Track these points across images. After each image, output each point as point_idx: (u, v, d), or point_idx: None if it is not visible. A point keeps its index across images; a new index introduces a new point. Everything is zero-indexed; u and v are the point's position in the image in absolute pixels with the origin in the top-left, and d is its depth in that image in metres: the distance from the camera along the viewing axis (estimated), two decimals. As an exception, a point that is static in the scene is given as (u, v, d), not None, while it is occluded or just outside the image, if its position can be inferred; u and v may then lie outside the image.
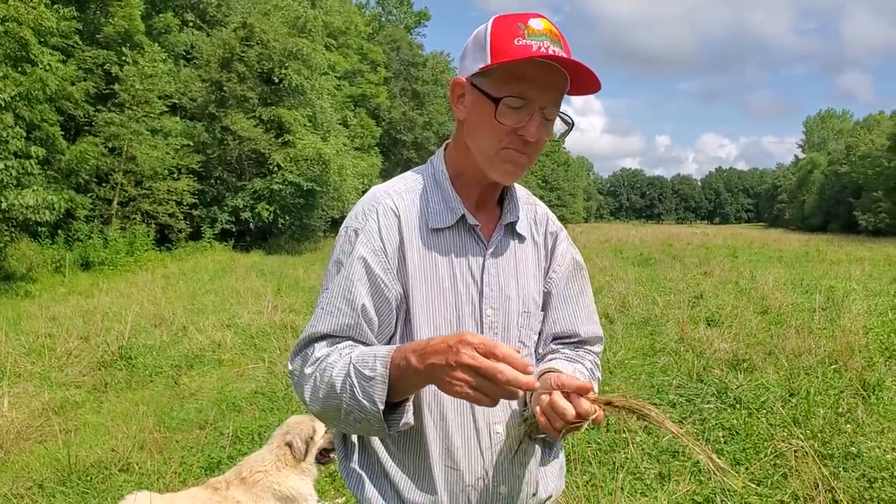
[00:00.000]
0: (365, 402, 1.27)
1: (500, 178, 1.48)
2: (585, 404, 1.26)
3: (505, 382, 1.15)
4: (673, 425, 1.26)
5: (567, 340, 1.66)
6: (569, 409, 1.25)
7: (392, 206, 1.51)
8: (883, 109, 72.19)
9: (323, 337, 1.42)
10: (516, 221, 1.59)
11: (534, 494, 1.56)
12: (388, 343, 1.48)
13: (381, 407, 1.27)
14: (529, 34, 1.35)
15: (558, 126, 1.47)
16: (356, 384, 1.28)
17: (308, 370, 1.38)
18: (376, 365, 1.27)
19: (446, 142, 1.62)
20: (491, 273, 1.53)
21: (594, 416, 1.25)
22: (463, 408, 1.48)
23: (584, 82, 1.40)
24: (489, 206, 1.59)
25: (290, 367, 1.45)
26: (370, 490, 1.51)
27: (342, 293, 1.44)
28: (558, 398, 1.27)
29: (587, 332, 1.67)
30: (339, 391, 1.30)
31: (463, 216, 1.52)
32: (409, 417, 1.35)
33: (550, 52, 1.32)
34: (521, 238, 1.60)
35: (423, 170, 1.61)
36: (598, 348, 1.71)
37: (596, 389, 1.54)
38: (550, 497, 1.62)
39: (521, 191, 1.69)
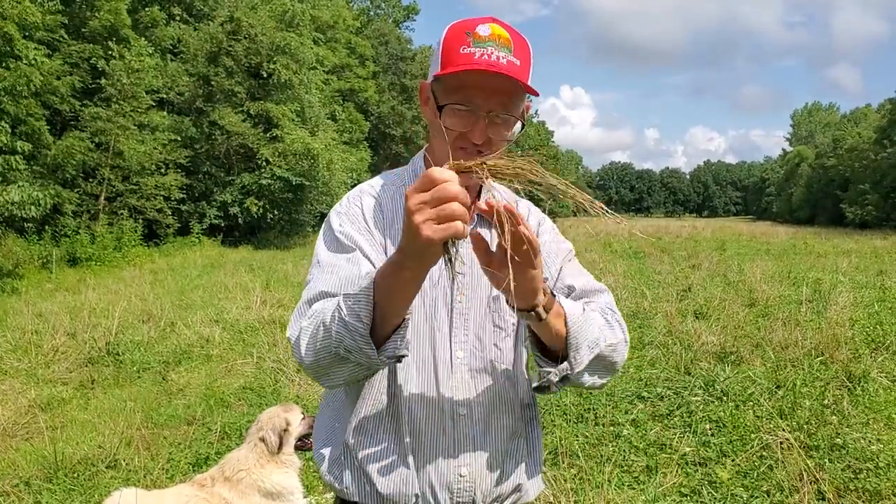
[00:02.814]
0: (352, 321, 1.26)
1: None
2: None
3: (443, 192, 1.12)
4: (553, 177, 1.22)
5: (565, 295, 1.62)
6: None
7: (375, 196, 1.61)
8: (870, 102, 72.60)
9: (321, 295, 1.44)
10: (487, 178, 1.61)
11: (497, 484, 1.59)
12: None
13: (368, 322, 1.26)
14: (475, 41, 1.39)
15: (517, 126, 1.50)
16: (343, 308, 1.28)
17: (305, 322, 1.39)
18: (361, 283, 1.29)
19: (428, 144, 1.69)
20: (465, 261, 1.54)
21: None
22: (428, 390, 1.53)
23: (530, 87, 1.42)
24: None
25: (288, 334, 1.45)
26: (346, 479, 1.57)
27: (335, 256, 1.49)
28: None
29: (583, 284, 1.64)
30: (328, 324, 1.31)
31: None
32: (401, 342, 1.32)
33: (493, 58, 1.37)
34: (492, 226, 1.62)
35: (405, 168, 1.70)
36: (604, 298, 1.63)
37: (623, 335, 1.55)
38: (519, 487, 1.64)
39: (504, 192, 1.72)
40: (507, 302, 1.40)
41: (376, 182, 1.66)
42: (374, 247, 1.52)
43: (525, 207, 1.74)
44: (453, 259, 1.25)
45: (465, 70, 1.37)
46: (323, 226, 1.61)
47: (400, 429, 1.52)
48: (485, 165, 1.20)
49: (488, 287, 1.57)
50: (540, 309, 1.33)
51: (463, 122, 1.43)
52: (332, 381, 1.41)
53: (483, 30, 1.40)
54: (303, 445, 3.53)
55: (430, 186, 1.14)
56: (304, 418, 3.55)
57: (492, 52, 1.37)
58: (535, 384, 1.49)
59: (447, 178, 1.13)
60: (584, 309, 1.47)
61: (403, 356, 1.34)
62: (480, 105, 1.41)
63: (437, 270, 1.54)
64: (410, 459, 1.52)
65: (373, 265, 1.48)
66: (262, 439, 3.36)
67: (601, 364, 1.50)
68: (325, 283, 1.44)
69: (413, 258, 1.20)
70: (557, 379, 1.45)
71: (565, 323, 1.40)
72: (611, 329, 1.53)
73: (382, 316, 1.27)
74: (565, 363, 1.42)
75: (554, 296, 1.39)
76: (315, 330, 1.35)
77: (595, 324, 1.47)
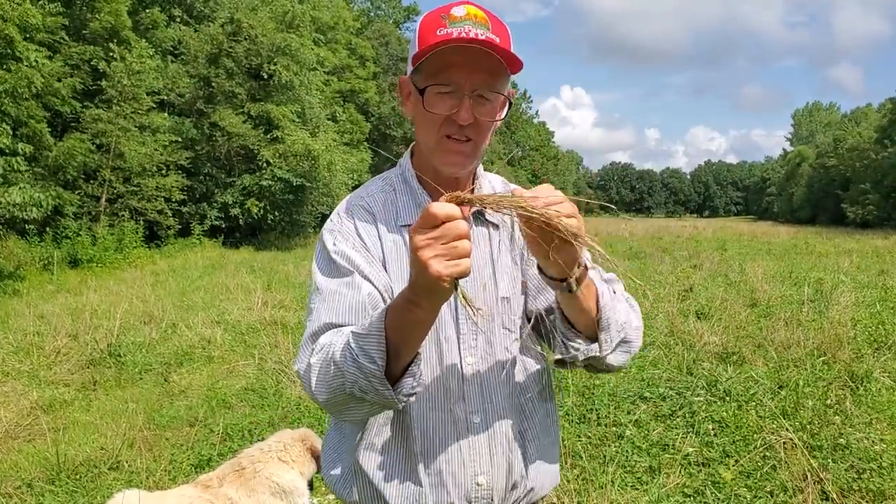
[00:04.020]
0: (365, 363, 1.24)
1: (446, 170, 1.48)
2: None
3: (452, 230, 1.11)
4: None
5: None
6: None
7: (365, 206, 1.56)
8: (871, 102, 72.64)
9: (326, 327, 1.40)
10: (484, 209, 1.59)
11: (513, 488, 1.57)
12: None
13: (382, 364, 1.23)
14: (451, 22, 1.36)
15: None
16: (354, 347, 1.25)
17: (314, 359, 1.35)
18: (372, 321, 1.26)
19: (414, 142, 1.65)
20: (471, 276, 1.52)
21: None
22: (439, 400, 1.50)
23: (511, 59, 1.38)
24: None
25: (296, 368, 1.42)
26: (358, 498, 1.55)
27: (334, 282, 1.45)
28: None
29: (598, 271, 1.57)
30: (340, 363, 1.28)
31: None
32: (416, 379, 1.30)
33: (472, 35, 1.33)
34: (494, 226, 1.59)
35: (393, 171, 1.65)
36: (620, 286, 1.58)
37: (641, 323, 1.52)
38: (531, 490, 1.61)
39: (496, 181, 1.69)
40: (542, 271, 1.36)
41: (365, 191, 1.62)
42: (371, 264, 1.48)
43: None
44: (465, 297, 1.24)
45: (444, 47, 1.33)
46: (317, 246, 1.57)
47: (411, 443, 1.49)
48: (481, 200, 1.19)
49: (495, 287, 1.55)
50: (572, 280, 1.30)
51: (447, 104, 1.39)
52: (350, 417, 1.39)
53: (458, 10, 1.37)
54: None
55: (436, 223, 1.12)
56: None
57: (469, 30, 1.34)
58: (557, 356, 1.47)
59: (452, 213, 1.12)
60: (614, 291, 1.45)
61: (418, 392, 1.33)
62: (463, 83, 1.37)
63: None
64: (423, 474, 1.49)
65: (373, 285, 1.45)
66: (311, 450, 3.38)
67: (624, 347, 1.48)
68: (328, 314, 1.41)
69: (424, 295, 1.18)
70: (583, 358, 1.44)
71: (597, 301, 1.38)
72: (635, 313, 1.51)
73: (395, 353, 1.25)
74: (595, 344, 1.41)
75: (587, 269, 1.36)
76: (326, 367, 1.32)
77: (622, 306, 1.45)
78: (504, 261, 1.59)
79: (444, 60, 1.36)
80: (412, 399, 1.34)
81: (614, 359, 1.48)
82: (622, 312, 1.44)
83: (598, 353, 1.42)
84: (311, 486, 3.47)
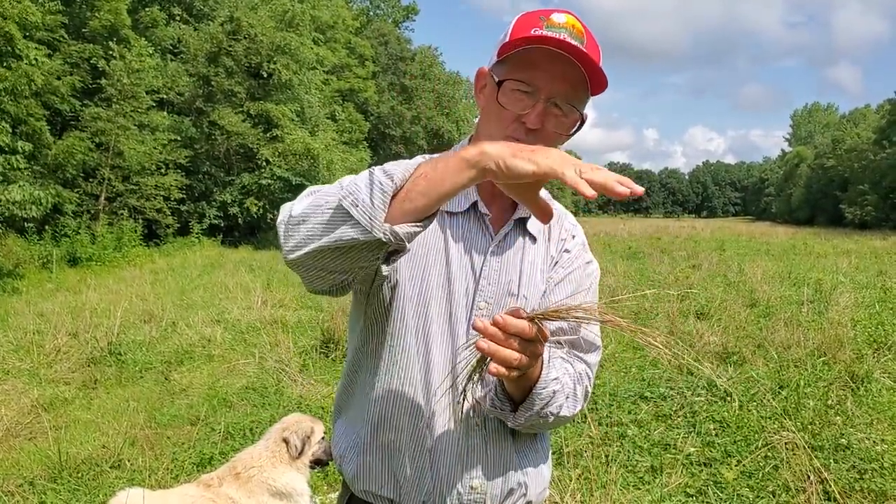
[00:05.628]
0: (380, 177, 1.14)
1: None
2: (519, 322, 1.17)
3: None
4: (610, 316, 1.14)
5: (559, 336, 1.51)
6: (506, 320, 1.16)
7: None
8: (869, 103, 72.81)
9: None
10: (528, 218, 1.54)
11: (509, 494, 1.54)
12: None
13: (397, 184, 1.13)
14: (548, 26, 1.34)
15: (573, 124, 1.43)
16: (375, 171, 1.16)
17: (316, 188, 1.27)
18: (409, 160, 1.20)
19: (472, 134, 1.62)
20: (493, 267, 1.50)
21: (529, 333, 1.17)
22: (447, 396, 1.48)
23: (598, 80, 1.37)
24: (506, 203, 1.55)
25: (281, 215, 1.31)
26: (359, 469, 1.53)
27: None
28: (498, 317, 1.18)
29: (583, 333, 1.52)
30: (345, 183, 1.18)
31: (475, 203, 1.50)
32: (411, 230, 1.16)
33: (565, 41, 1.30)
34: (532, 238, 1.56)
35: (447, 153, 1.60)
36: (590, 359, 1.54)
37: (582, 406, 1.49)
38: (526, 495, 1.58)
39: (547, 199, 1.66)
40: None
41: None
42: None
43: (561, 214, 1.65)
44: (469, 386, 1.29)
45: (536, 45, 1.30)
46: None
47: (423, 430, 1.48)
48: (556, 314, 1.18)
49: (518, 301, 1.50)
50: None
51: (521, 103, 1.36)
52: (308, 253, 1.24)
53: (558, 17, 1.35)
54: (314, 467, 3.50)
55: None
56: (323, 438, 3.50)
57: (565, 38, 1.31)
58: (466, 389, 1.40)
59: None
60: (559, 379, 1.40)
61: (403, 250, 1.21)
62: (541, 88, 1.35)
63: (462, 274, 1.49)
64: (428, 466, 1.48)
65: None
66: (286, 440, 3.33)
67: (537, 426, 1.46)
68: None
69: (467, 178, 1.13)
70: (491, 415, 1.46)
71: (537, 379, 1.35)
72: (573, 402, 1.46)
73: (406, 197, 1.15)
74: (510, 413, 1.41)
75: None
76: (325, 189, 1.22)
77: (562, 394, 1.41)
78: (534, 276, 1.55)
79: (531, 60, 1.34)
80: (400, 253, 1.23)
81: (518, 428, 1.48)
82: (554, 406, 1.40)
83: (505, 419, 1.42)
84: (315, 468, 3.46)
